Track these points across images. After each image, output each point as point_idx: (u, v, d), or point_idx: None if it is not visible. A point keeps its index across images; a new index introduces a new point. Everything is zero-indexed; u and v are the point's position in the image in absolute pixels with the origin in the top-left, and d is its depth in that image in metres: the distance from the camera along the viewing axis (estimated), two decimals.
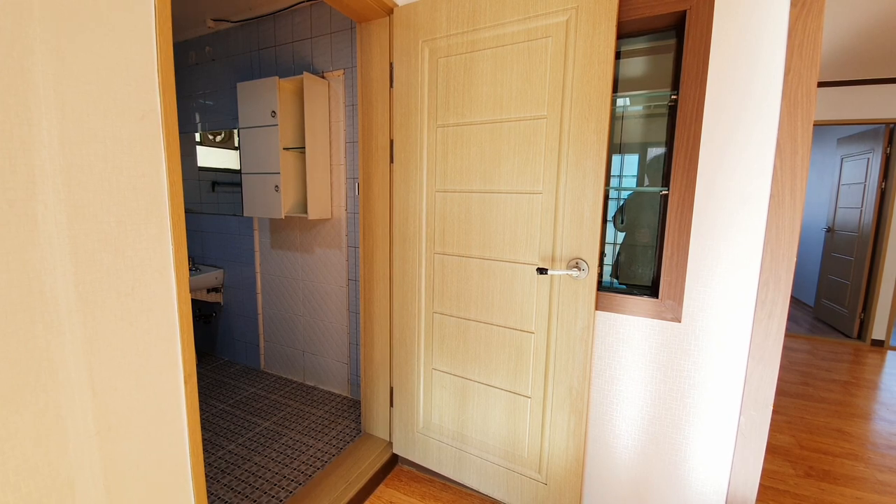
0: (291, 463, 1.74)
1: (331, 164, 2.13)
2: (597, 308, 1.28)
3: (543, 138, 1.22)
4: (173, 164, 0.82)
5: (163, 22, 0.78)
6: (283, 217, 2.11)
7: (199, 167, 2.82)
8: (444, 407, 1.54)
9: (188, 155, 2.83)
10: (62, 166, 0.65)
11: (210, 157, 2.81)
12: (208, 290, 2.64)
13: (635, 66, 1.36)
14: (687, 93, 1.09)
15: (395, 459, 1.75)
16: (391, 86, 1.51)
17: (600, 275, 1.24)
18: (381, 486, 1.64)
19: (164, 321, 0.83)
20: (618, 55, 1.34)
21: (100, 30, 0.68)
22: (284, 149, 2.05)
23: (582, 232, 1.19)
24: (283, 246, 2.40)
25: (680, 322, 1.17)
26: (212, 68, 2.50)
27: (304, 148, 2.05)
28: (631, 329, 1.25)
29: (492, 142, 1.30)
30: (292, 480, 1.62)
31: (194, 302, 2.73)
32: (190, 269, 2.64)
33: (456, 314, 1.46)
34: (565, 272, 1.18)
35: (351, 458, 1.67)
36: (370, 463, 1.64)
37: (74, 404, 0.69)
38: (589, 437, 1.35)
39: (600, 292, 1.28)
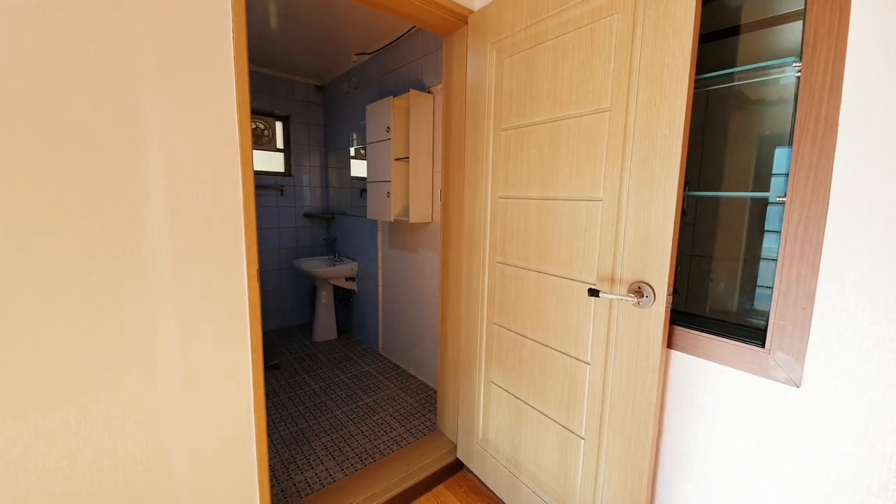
0: (375, 440, 1.95)
1: (433, 172, 2.27)
2: (670, 346, 1.00)
3: (606, 135, 1.02)
4: (247, 178, 1.05)
5: (240, 69, 1.00)
6: (392, 220, 2.36)
7: (352, 177, 3.39)
8: (500, 425, 1.47)
9: (344, 167, 3.45)
10: (165, 184, 0.92)
11: (360, 168, 3.34)
12: (346, 279, 3.17)
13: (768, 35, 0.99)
14: (815, 58, 0.74)
15: (460, 464, 1.76)
16: (466, 93, 1.51)
17: (673, 304, 0.97)
18: (441, 487, 1.67)
19: (236, 303, 1.06)
20: (737, 28, 1.01)
21: (193, 78, 0.93)
22: (395, 159, 2.30)
23: (648, 249, 0.95)
24: (397, 245, 2.69)
25: (798, 387, 0.81)
26: (357, 95, 2.98)
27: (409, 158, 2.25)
28: (723, 383, 0.93)
29: (550, 142, 1.17)
30: (369, 455, 1.82)
31: (336, 288, 3.33)
32: (334, 261, 3.24)
33: (513, 328, 1.37)
34: (622, 297, 0.97)
35: (417, 450, 1.76)
36: (433, 461, 1.69)
37: (167, 359, 0.96)
38: None
39: (679, 328, 0.99)
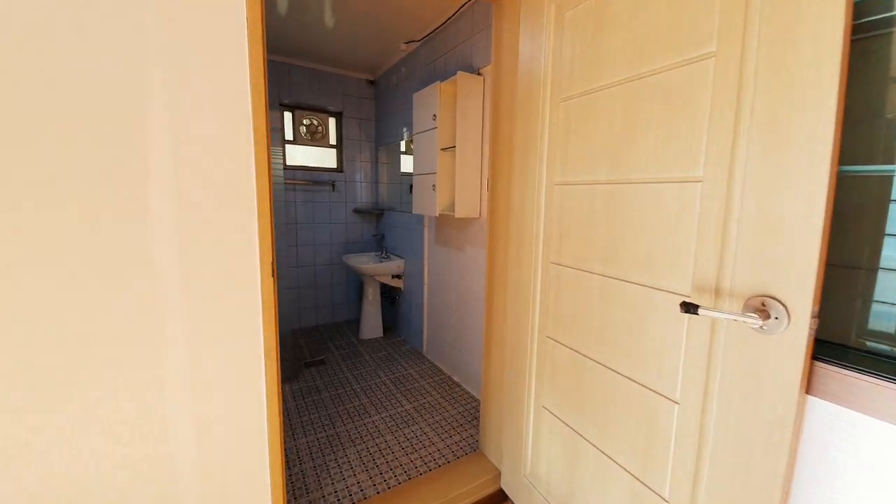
0: (412, 453, 1.79)
1: (481, 162, 2.05)
2: (809, 391, 0.69)
3: (708, 90, 0.74)
4: (261, 162, 0.92)
5: (254, 48, 0.87)
6: (437, 215, 2.18)
7: (401, 172, 3.28)
8: (552, 459, 1.21)
9: (393, 163, 3.36)
10: (171, 163, 0.82)
11: (409, 163, 3.22)
12: (392, 276, 3.06)
13: None
14: None
15: (503, 495, 1.53)
16: (518, 62, 1.28)
17: (817, 332, 0.66)
18: None
19: (248, 300, 0.95)
20: None
21: (202, 56, 0.83)
22: (441, 149, 2.12)
23: (778, 249, 0.66)
24: (443, 242, 2.51)
25: None
26: (407, 87, 2.85)
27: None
28: (890, 450, 0.61)
29: (625, 109, 0.90)
30: (404, 471, 1.66)
31: (383, 285, 3.24)
32: (382, 257, 3.15)
33: (570, 345, 1.11)
34: (737, 317, 0.68)
35: (455, 472, 1.56)
36: (474, 488, 1.48)
37: (171, 361, 0.86)
38: None
39: (821, 364, 0.68)
